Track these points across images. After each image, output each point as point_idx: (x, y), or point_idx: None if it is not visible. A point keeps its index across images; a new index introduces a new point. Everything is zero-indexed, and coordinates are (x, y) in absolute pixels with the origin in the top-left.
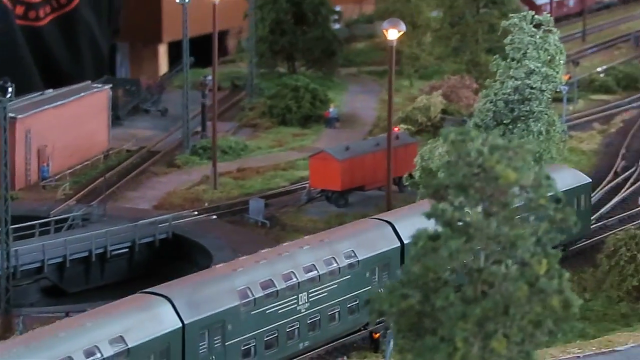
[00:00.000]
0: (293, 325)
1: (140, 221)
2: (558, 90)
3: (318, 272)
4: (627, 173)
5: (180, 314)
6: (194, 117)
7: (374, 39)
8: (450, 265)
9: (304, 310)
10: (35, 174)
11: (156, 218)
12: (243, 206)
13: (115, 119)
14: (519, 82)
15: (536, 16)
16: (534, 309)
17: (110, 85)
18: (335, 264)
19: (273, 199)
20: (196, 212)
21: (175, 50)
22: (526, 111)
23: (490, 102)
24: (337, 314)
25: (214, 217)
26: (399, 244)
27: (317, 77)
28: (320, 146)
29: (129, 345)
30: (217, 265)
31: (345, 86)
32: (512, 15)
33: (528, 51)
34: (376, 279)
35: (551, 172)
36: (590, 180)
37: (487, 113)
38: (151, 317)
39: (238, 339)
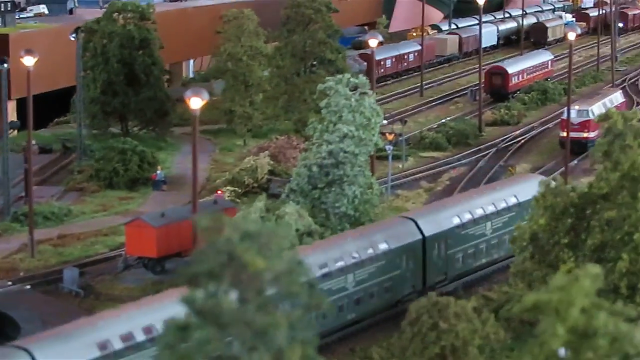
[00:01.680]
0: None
1: None
2: (383, 149)
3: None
4: None
5: None
6: (18, 183)
7: (211, 97)
8: (202, 355)
9: (351, 288)
10: None
11: None
12: (59, 275)
13: None
14: (333, 146)
15: (352, 79)
16: None
17: None
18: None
19: (90, 267)
20: (10, 282)
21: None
22: (340, 175)
23: (305, 167)
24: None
25: (28, 287)
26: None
27: (150, 137)
28: (146, 210)
29: None
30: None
31: (178, 146)
32: (329, 78)
33: (343, 114)
34: None
35: (523, 180)
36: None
37: (302, 177)
38: None
39: None
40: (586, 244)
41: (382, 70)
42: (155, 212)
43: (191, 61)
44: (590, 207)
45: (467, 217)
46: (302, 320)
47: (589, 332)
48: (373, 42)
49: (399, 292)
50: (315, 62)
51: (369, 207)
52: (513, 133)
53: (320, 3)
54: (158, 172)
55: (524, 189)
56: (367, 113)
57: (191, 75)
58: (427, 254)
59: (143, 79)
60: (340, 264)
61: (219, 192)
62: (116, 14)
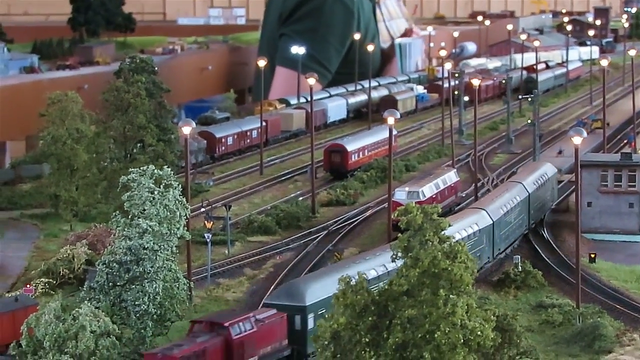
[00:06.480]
0: None
1: None
2: (204, 238)
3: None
4: None
5: None
6: None
7: (42, 179)
8: None
9: None
10: None
11: None
12: None
13: None
14: (132, 242)
15: (156, 171)
16: None
17: None
18: None
19: None
20: None
21: None
22: (141, 272)
23: (104, 264)
24: None
25: None
26: None
27: None
28: None
29: None
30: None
31: (1, 232)
32: (132, 170)
33: (146, 208)
34: None
35: (540, 166)
36: (557, 169)
37: (102, 275)
38: None
39: None
40: (388, 342)
41: (223, 148)
42: None
43: None
44: (392, 305)
45: None
46: None
47: None
48: (186, 130)
49: None
50: (134, 148)
51: (175, 303)
52: (345, 215)
53: (140, 87)
54: None
55: None
56: (171, 206)
57: None
58: None
59: None
60: None
61: (28, 285)
62: None
